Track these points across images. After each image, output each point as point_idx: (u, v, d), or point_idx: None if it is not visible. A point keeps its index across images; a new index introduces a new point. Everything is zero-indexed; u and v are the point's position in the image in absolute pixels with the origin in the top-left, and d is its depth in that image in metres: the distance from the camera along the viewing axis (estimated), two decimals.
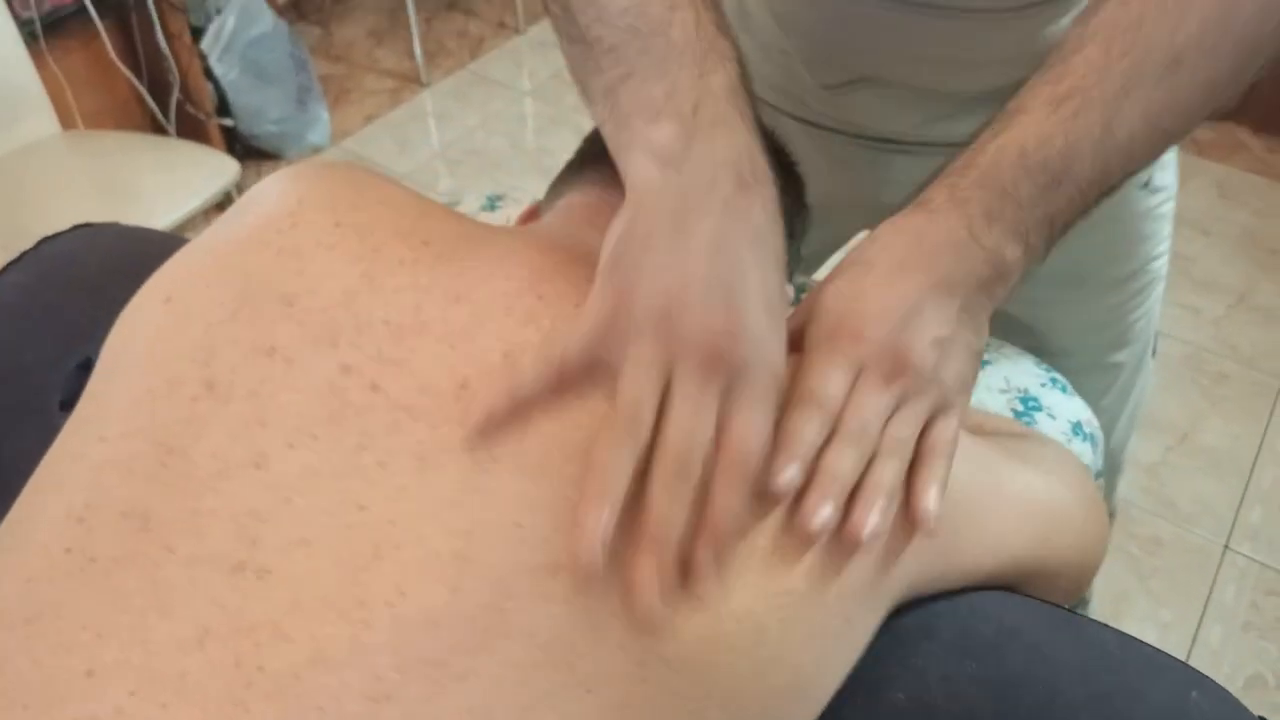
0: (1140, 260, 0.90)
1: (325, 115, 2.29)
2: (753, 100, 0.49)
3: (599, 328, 0.43)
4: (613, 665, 0.40)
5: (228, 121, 2.13)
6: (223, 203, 1.58)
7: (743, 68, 0.49)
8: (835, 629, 0.44)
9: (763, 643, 0.41)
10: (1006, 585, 0.55)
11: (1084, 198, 0.50)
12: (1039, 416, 0.87)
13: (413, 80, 2.51)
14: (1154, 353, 1.02)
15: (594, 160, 0.60)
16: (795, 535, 0.43)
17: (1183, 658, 0.56)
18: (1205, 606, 1.53)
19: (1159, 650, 0.50)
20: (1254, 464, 1.70)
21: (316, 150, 2.27)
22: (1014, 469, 0.57)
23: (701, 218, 0.44)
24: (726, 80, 0.47)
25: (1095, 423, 0.89)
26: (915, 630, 0.49)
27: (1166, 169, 0.87)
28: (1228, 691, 0.48)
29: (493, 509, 0.41)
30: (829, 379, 0.45)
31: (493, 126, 2.41)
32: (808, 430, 0.43)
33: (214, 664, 0.39)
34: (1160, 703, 0.46)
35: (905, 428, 0.45)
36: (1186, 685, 0.47)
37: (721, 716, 0.41)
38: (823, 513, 0.42)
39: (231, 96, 2.12)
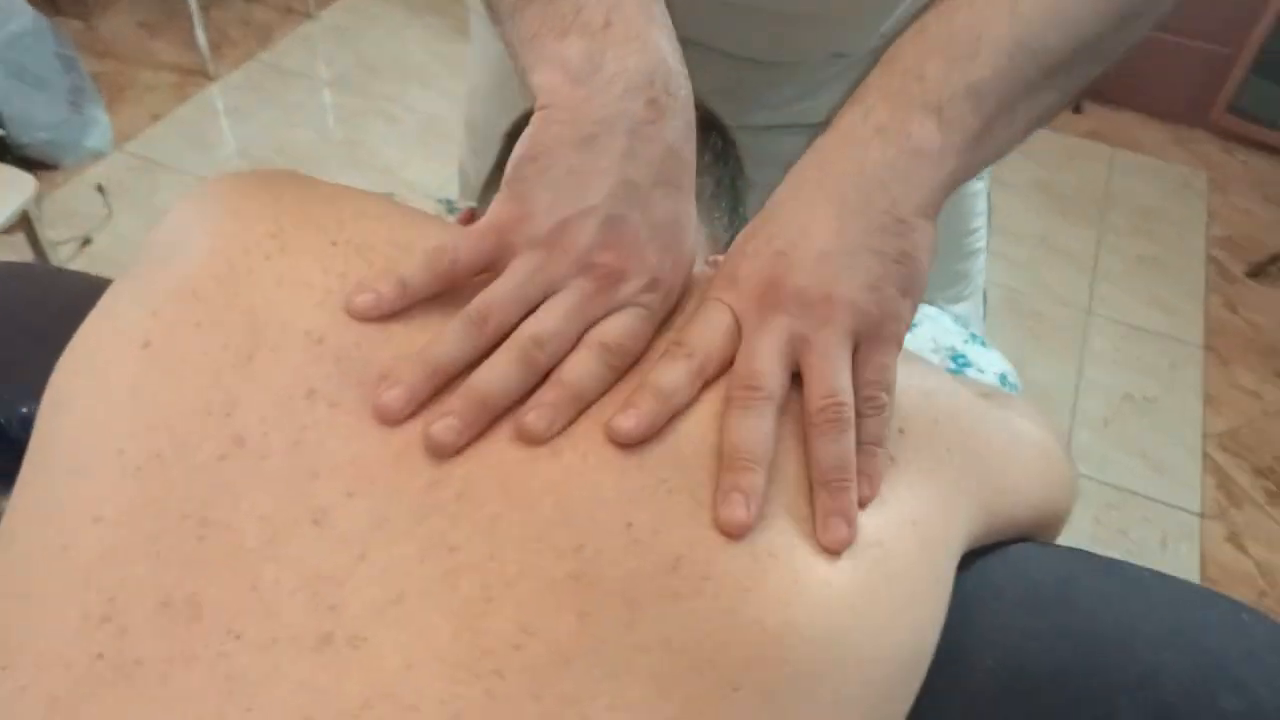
0: (956, 232, 1.00)
1: (105, 118, 2.08)
2: (667, 10, 0.46)
3: (496, 234, 0.42)
4: (753, 650, 0.37)
5: None
6: (14, 226, 1.38)
7: None
8: (929, 585, 0.43)
9: (876, 602, 0.40)
10: (1024, 536, 0.55)
11: (1017, 66, 0.46)
12: (970, 372, 0.89)
13: (197, 73, 2.32)
14: (984, 315, 1.14)
15: None
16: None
17: None
18: None
19: (1184, 580, 0.52)
20: (1076, 391, 1.83)
21: (98, 157, 2.05)
22: (1013, 419, 0.58)
23: (609, 140, 0.43)
24: None
25: (1015, 373, 0.93)
26: (975, 591, 0.48)
27: None
28: (1260, 611, 0.50)
29: (601, 513, 0.38)
30: (700, 324, 0.44)
31: (294, 120, 2.25)
32: (664, 374, 0.42)
33: None
34: (1223, 628, 0.47)
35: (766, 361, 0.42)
36: (1234, 610, 0.49)
37: (859, 689, 0.39)
38: (626, 423, 0.39)
39: None
